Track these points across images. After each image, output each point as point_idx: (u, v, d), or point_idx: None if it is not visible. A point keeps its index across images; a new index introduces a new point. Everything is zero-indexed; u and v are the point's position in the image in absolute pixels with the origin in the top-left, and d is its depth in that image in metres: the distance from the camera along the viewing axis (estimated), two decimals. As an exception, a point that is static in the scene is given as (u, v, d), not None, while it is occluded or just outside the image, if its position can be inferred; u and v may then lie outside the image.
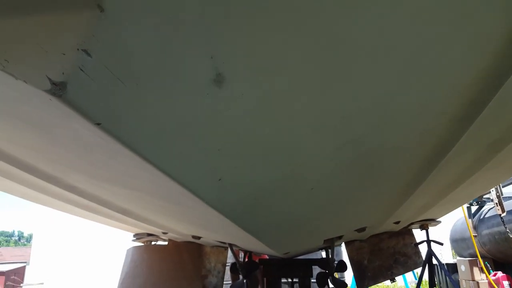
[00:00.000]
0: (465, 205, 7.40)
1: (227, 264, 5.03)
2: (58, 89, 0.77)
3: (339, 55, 1.00)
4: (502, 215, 6.03)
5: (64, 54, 0.72)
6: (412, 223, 4.40)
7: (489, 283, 6.32)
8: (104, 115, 0.91)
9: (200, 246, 4.87)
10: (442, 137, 1.69)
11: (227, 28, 0.80)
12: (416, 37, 0.99)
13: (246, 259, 5.03)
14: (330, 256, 4.29)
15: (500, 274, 6.43)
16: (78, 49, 0.73)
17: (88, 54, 0.74)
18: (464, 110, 1.46)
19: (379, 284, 8.06)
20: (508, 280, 6.29)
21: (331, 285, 5.13)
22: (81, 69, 0.76)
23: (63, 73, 0.76)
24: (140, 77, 0.85)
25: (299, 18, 0.83)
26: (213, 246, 4.92)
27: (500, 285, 6.20)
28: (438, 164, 1.97)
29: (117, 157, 1.23)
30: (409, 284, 7.99)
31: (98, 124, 0.91)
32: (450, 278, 5.79)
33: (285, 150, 1.50)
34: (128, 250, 4.59)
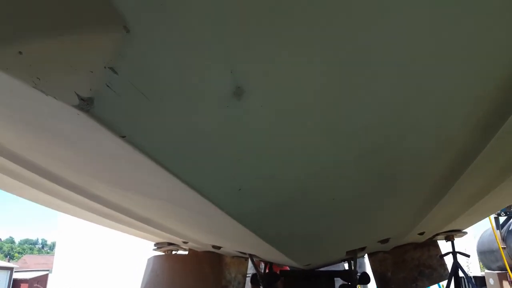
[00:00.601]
0: (493, 216, 7.15)
1: (247, 275, 5.01)
2: (86, 105, 0.81)
3: (357, 66, 1.00)
4: (532, 226, 5.80)
5: (92, 72, 0.76)
6: (437, 234, 4.28)
7: (520, 297, 6.06)
8: (129, 129, 0.95)
9: (220, 256, 4.87)
10: (466, 146, 1.66)
11: (246, 44, 0.82)
12: (438, 43, 0.98)
13: (267, 270, 5.00)
14: (352, 267, 4.21)
15: (531, 288, 6.17)
16: (105, 67, 0.76)
17: (115, 72, 0.77)
18: (489, 117, 1.43)
19: (403, 297, 7.83)
20: (539, 294, 6.03)
21: (353, 297, 5.02)
22: (108, 86, 0.80)
23: (90, 90, 0.80)
24: (163, 92, 0.88)
25: (317, 31, 0.85)
26: (233, 257, 4.92)
27: (531, 299, 5.95)
28: (462, 173, 1.93)
29: (140, 168, 1.27)
30: (435, 297, 7.74)
31: (123, 137, 0.95)
32: (478, 291, 5.58)
33: (305, 160, 1.50)
34: (149, 259, 4.64)
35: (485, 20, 0.93)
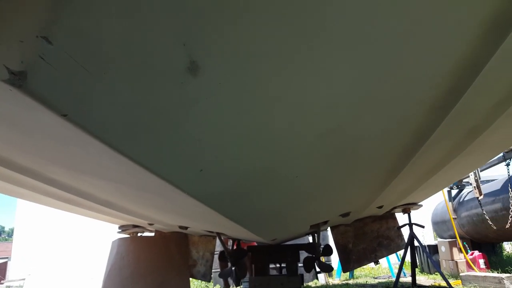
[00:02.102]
0: (446, 189, 7.59)
1: (215, 253, 5.04)
2: (17, 79, 0.72)
3: (319, 44, 0.97)
4: (480, 198, 6.21)
5: (22, 42, 0.67)
6: (395, 207, 4.49)
7: (467, 262, 6.55)
8: (70, 106, 0.86)
9: (187, 236, 4.85)
10: (421, 124, 1.70)
11: (200, 12, 0.75)
12: (396, 26, 0.97)
13: (235, 247, 5.05)
14: (316, 241, 4.34)
15: (476, 253, 6.67)
16: (37, 37, 0.67)
17: (49, 42, 0.69)
18: (443, 98, 1.46)
19: (364, 267, 8.23)
20: (483, 258, 6.55)
21: (317, 268, 5.21)
22: (41, 58, 0.71)
23: (22, 62, 0.71)
24: (107, 65, 0.80)
25: (279, 5, 0.80)
26: (201, 236, 4.91)
27: (476, 264, 6.45)
28: (418, 150, 1.99)
29: (90, 149, 1.19)
30: (392, 266, 8.19)
31: (65, 115, 0.87)
32: (430, 258, 5.96)
33: (266, 138, 1.47)
34: (113, 242, 4.53)
35: (436, 8, 0.93)
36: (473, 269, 6.34)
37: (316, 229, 4.01)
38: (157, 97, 0.96)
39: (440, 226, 8.15)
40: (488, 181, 7.28)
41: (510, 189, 5.33)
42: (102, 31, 0.73)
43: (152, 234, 4.70)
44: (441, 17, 0.97)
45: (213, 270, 5.11)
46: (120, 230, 4.60)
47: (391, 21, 0.94)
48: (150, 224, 4.10)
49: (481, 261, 6.51)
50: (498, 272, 5.32)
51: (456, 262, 6.73)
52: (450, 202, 7.64)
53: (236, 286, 6.42)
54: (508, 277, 4.17)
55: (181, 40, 0.78)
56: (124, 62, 0.81)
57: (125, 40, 0.76)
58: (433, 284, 5.19)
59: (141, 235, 4.72)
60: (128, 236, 4.63)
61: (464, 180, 7.36)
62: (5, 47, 0.68)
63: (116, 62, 0.81)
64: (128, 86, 0.89)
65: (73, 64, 0.76)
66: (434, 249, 7.64)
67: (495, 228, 6.01)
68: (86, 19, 0.70)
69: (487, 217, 6.12)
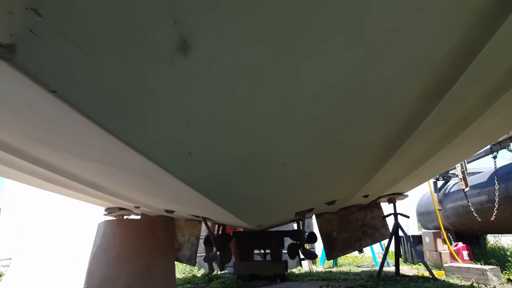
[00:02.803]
0: (432, 180, 7.71)
1: (201, 237, 5.08)
2: (6, 52, 0.71)
3: (310, 30, 0.98)
4: (466, 189, 6.32)
5: (11, 13, 0.66)
6: (380, 197, 4.56)
7: (450, 253, 6.69)
8: (60, 82, 0.86)
9: (173, 220, 4.87)
10: (411, 113, 1.72)
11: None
12: (386, 11, 0.98)
13: (220, 232, 5.09)
14: (301, 228, 4.40)
15: (460, 244, 6.82)
16: (26, 8, 0.66)
17: (38, 14, 0.68)
18: (434, 86, 1.48)
19: (347, 255, 8.38)
20: (467, 250, 6.69)
21: (301, 255, 5.29)
22: (31, 31, 0.70)
23: (11, 35, 0.70)
24: (97, 41, 0.79)
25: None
26: (187, 220, 4.94)
27: (460, 255, 6.59)
28: (406, 140, 2.02)
29: (78, 128, 1.18)
30: (376, 255, 8.36)
31: (54, 91, 0.86)
32: (414, 249, 6.09)
33: (256, 123, 1.48)
34: (99, 224, 4.53)
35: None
36: (456, 260, 6.49)
37: (301, 217, 4.06)
38: (147, 75, 0.96)
39: (425, 216, 8.30)
40: (474, 173, 7.41)
41: (496, 182, 5.43)
42: (93, 6, 0.72)
43: (138, 217, 4.70)
44: (433, 4, 0.97)
45: (198, 254, 5.15)
46: (106, 213, 4.59)
47: (382, 8, 0.94)
48: (137, 207, 4.11)
49: (465, 253, 6.67)
50: (481, 264, 5.47)
51: (440, 253, 6.88)
52: (436, 193, 7.77)
53: (221, 271, 6.49)
54: (491, 269, 4.27)
55: (173, 16, 0.78)
56: (115, 38, 0.81)
57: (116, 15, 0.76)
58: (416, 274, 5.32)
59: (127, 218, 4.72)
60: (114, 218, 4.63)
61: (450, 172, 7.48)
62: (-7, 19, 0.66)
63: (107, 38, 0.80)
64: (119, 63, 0.89)
65: (63, 38, 0.75)
66: (418, 239, 7.80)
67: (480, 220, 6.14)
68: (76, -8, 0.69)
69: (472, 209, 6.25)
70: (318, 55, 1.09)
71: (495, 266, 4.47)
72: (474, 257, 6.70)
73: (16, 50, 0.72)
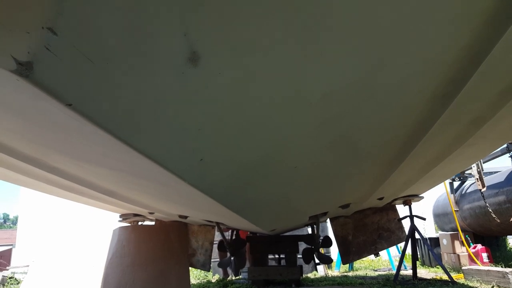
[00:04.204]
0: (447, 181, 7.58)
1: (214, 242, 5.10)
2: (24, 69, 0.74)
3: (318, 33, 0.98)
4: (483, 190, 6.19)
5: (28, 33, 0.69)
6: (396, 199, 4.50)
7: (469, 256, 6.55)
8: (75, 96, 0.89)
9: (187, 225, 4.90)
10: (423, 114, 1.70)
11: (200, 3, 0.77)
12: (397, 13, 0.98)
13: (234, 237, 5.10)
14: (315, 232, 4.37)
15: (479, 246, 6.67)
16: (43, 28, 0.69)
17: (54, 33, 0.71)
18: (445, 87, 1.46)
19: (363, 259, 8.29)
20: (486, 252, 6.53)
21: (317, 260, 5.26)
22: (47, 48, 0.73)
23: (28, 53, 0.73)
24: (110, 56, 0.82)
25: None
26: (200, 225, 4.96)
27: (479, 257, 6.44)
28: (420, 140, 2.00)
29: (93, 138, 1.21)
30: (393, 258, 8.25)
31: (70, 105, 0.89)
32: (432, 251, 5.98)
33: (266, 128, 1.49)
34: (114, 231, 4.59)
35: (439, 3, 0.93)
36: (475, 263, 6.34)
37: (315, 220, 4.04)
38: (159, 87, 0.98)
39: (441, 218, 8.16)
40: (491, 173, 7.25)
41: (514, 181, 5.30)
42: (105, 23, 0.75)
43: (153, 223, 4.75)
44: (443, 6, 0.97)
45: (212, 260, 5.17)
46: (121, 219, 4.65)
47: (393, 9, 0.95)
48: (151, 213, 4.15)
49: (484, 255, 6.51)
50: (501, 267, 5.34)
51: (458, 255, 6.74)
52: (452, 194, 7.63)
53: (235, 276, 6.49)
54: (512, 271, 4.17)
55: (183, 30, 0.80)
56: (127, 53, 0.83)
57: (128, 31, 0.78)
58: (435, 277, 5.23)
59: (141, 224, 4.77)
60: (129, 224, 4.69)
61: (466, 172, 7.34)
62: (12, 39, 0.69)
63: (119, 53, 0.83)
64: (131, 76, 0.91)
65: (77, 54, 0.77)
66: (435, 242, 7.66)
67: (498, 221, 6.00)
68: (89, 10, 0.72)
69: (490, 210, 6.11)
70: (327, 59, 1.10)
71: (516, 269, 4.35)
72: (494, 260, 6.54)
73: (33, 67, 0.75)
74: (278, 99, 1.27)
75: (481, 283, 4.45)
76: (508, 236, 8.00)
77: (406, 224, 4.84)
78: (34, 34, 0.70)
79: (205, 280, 6.67)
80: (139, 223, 4.75)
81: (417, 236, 4.88)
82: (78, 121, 1.00)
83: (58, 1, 0.66)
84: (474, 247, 6.76)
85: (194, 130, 1.30)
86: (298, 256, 5.06)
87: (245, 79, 1.10)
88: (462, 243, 6.84)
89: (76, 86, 0.87)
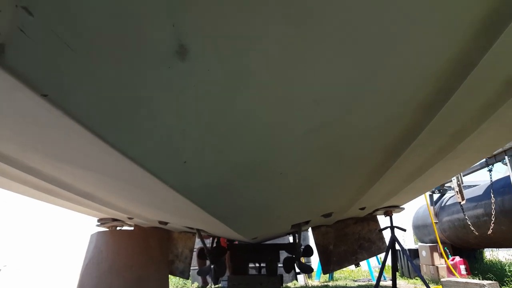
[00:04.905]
0: (428, 193, 7.70)
1: (194, 250, 5.00)
2: (-5, 53, 0.68)
3: (310, 40, 0.96)
4: (462, 203, 6.30)
5: (0, 11, 0.63)
6: (377, 210, 4.52)
7: (448, 268, 6.63)
8: (51, 85, 0.82)
9: (167, 232, 4.79)
10: (408, 125, 1.71)
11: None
12: (385, 24, 0.97)
13: (214, 245, 5.01)
14: (297, 241, 4.34)
15: (457, 259, 6.76)
16: (17, 6, 0.64)
17: (29, 13, 0.65)
18: (431, 98, 1.47)
19: (344, 269, 8.30)
20: (464, 264, 6.63)
21: (297, 269, 5.22)
22: (21, 30, 0.67)
23: (0, 34, 0.67)
24: (92, 43, 0.77)
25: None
26: (180, 232, 4.86)
27: (457, 269, 6.53)
28: (404, 151, 2.00)
29: (71, 134, 1.14)
30: (373, 269, 8.27)
31: (45, 95, 0.83)
32: (411, 263, 6.02)
33: (253, 132, 1.45)
34: (92, 235, 4.45)
35: (426, 8, 0.93)
36: (454, 274, 6.42)
37: (297, 229, 4.01)
38: (143, 80, 0.93)
39: (421, 230, 8.26)
40: (470, 186, 7.41)
41: (492, 195, 5.41)
42: (88, 6, 0.69)
43: (132, 228, 4.63)
44: (431, 18, 0.97)
45: (191, 268, 5.07)
46: (99, 224, 4.52)
47: (381, 21, 0.94)
48: (130, 218, 4.04)
49: (462, 267, 6.60)
50: (479, 279, 5.41)
51: (437, 267, 6.82)
52: (432, 206, 7.75)
53: (215, 285, 6.38)
54: (490, 284, 4.22)
55: (171, 20, 0.76)
56: (110, 41, 0.78)
57: (112, 16, 0.73)
58: (413, 288, 5.25)
59: (120, 229, 4.64)
60: (107, 229, 4.55)
61: (446, 185, 7.48)
62: (-18, 17, 0.64)
63: (102, 41, 0.78)
64: (113, 67, 0.86)
65: (55, 40, 0.72)
66: (414, 253, 7.73)
67: (476, 233, 6.10)
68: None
69: (469, 223, 6.21)
70: (319, 66, 1.08)
71: (493, 281, 4.42)
72: (471, 272, 6.64)
73: (5, 51, 0.69)
74: (267, 102, 1.24)
75: (459, 295, 4.49)
76: (485, 249, 8.17)
77: (386, 235, 4.86)
78: (6, 13, 0.64)
79: (183, 288, 6.53)
80: (118, 228, 4.62)
81: (397, 247, 4.90)
82: (54, 115, 0.93)
83: None
84: (453, 259, 6.85)
85: (179, 130, 1.24)
86: (279, 265, 5.01)
87: (235, 78, 1.06)
88: (441, 255, 6.92)
89: (53, 75, 0.81)
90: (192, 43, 0.84)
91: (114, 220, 4.36)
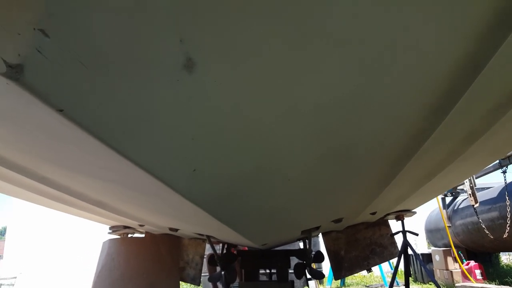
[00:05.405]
0: (440, 196, 7.60)
1: (205, 256, 5.02)
2: (14, 72, 0.72)
3: (313, 43, 0.98)
4: (475, 205, 6.19)
5: (19, 34, 0.68)
6: (388, 214, 4.48)
7: (462, 272, 6.51)
8: (67, 101, 0.87)
9: (178, 238, 4.83)
10: (417, 128, 1.71)
11: (198, 8, 0.76)
12: (391, 25, 0.98)
13: (225, 251, 5.03)
14: (307, 246, 4.33)
15: (472, 263, 6.63)
16: (34, 29, 0.68)
17: (46, 35, 0.69)
18: (440, 100, 1.47)
19: (355, 275, 8.22)
20: (480, 269, 6.50)
21: (308, 275, 5.19)
22: (38, 51, 0.71)
23: (19, 55, 0.71)
24: (104, 60, 0.80)
25: (275, 3, 0.81)
26: (191, 238, 4.89)
27: (472, 274, 6.40)
28: (413, 155, 1.99)
29: (84, 146, 1.18)
30: (385, 274, 8.17)
31: (61, 110, 0.87)
32: (425, 267, 5.95)
33: (260, 139, 1.47)
34: (104, 243, 4.50)
35: (433, 7, 0.94)
36: (469, 279, 6.31)
37: (307, 235, 4.00)
38: (153, 93, 0.96)
39: (434, 234, 8.15)
40: (483, 188, 7.29)
41: (507, 197, 5.32)
42: (100, 25, 0.73)
43: (143, 235, 4.67)
44: (438, 17, 0.98)
45: (202, 274, 5.08)
46: (110, 231, 4.57)
47: (387, 20, 0.95)
48: (141, 226, 4.08)
49: (477, 272, 6.48)
50: (496, 284, 5.30)
51: (451, 271, 6.71)
52: (445, 210, 7.64)
53: (227, 291, 6.37)
54: (511, 289, 4.13)
55: (179, 36, 0.79)
56: (121, 58, 0.82)
57: (123, 35, 0.77)
58: (426, 293, 5.18)
59: (131, 236, 4.69)
60: (119, 237, 4.61)
61: (458, 187, 7.37)
62: (2, 40, 0.68)
63: (113, 58, 0.81)
64: (125, 82, 0.90)
65: (70, 58, 0.76)
66: (427, 257, 7.64)
67: (492, 237, 5.99)
68: (83, 12, 0.70)
69: (483, 226, 6.11)
70: (324, 69, 1.10)
71: None
72: (487, 276, 6.52)
73: (24, 70, 0.73)
74: (273, 109, 1.26)
75: (474, 300, 4.41)
76: (501, 253, 8.01)
77: (398, 239, 4.82)
78: (26, 36, 0.68)
79: (195, 295, 6.53)
80: (129, 235, 4.67)
81: (409, 252, 4.85)
82: (69, 128, 0.97)
83: (50, 2, 0.65)
84: (467, 264, 6.74)
85: (188, 139, 1.28)
86: (290, 271, 4.99)
87: (241, 87, 1.09)
88: (455, 259, 6.81)
89: (68, 91, 0.86)
90: (199, 56, 0.87)
91: (126, 227, 4.41)
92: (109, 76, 0.86)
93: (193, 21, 0.77)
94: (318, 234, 5.36)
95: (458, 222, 7.20)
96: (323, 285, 7.91)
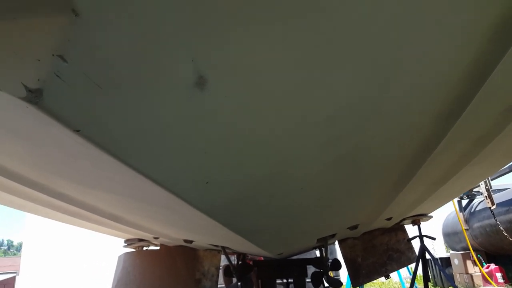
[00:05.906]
0: (456, 199, 7.47)
1: (220, 267, 5.01)
2: (34, 96, 0.75)
3: (323, 54, 1.00)
4: (492, 207, 6.07)
5: (39, 60, 0.71)
6: (404, 219, 4.43)
7: (483, 276, 6.36)
8: (83, 122, 0.90)
9: (192, 250, 4.83)
10: (428, 133, 1.70)
11: (207, 31, 0.79)
12: (400, 34, 0.99)
13: (240, 261, 5.01)
14: (324, 255, 4.29)
15: (493, 266, 6.48)
16: (53, 55, 0.71)
17: (64, 60, 0.72)
18: (449, 106, 1.47)
19: (374, 281, 8.09)
20: (501, 271, 6.34)
21: (326, 284, 5.13)
22: (57, 75, 0.74)
23: (38, 80, 0.74)
24: (119, 82, 0.83)
25: (282, 17, 0.83)
26: (206, 250, 4.89)
27: (493, 277, 6.25)
28: (426, 159, 1.98)
29: (100, 163, 1.21)
30: (404, 280, 8.03)
31: (78, 131, 0.90)
32: (443, 272, 5.83)
33: (272, 150, 1.49)
34: (119, 257, 4.54)
35: (441, 13, 0.94)
36: (490, 283, 6.17)
37: (323, 243, 3.97)
38: (166, 111, 0.99)
39: (451, 237, 8.00)
40: (500, 190, 7.15)
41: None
42: (115, 49, 0.76)
43: (157, 248, 4.69)
44: (446, 23, 0.98)
45: (218, 285, 5.06)
46: (125, 244, 4.61)
47: (396, 28, 0.96)
48: (155, 238, 4.11)
49: (499, 275, 6.32)
50: (517, 287, 5.17)
51: (471, 275, 6.57)
52: (461, 213, 7.51)
53: (243, 302, 6.33)
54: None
55: (190, 56, 0.82)
56: (135, 79, 0.85)
57: (137, 58, 0.80)
58: (446, 298, 5.07)
59: (146, 249, 4.71)
60: (134, 250, 4.63)
61: (474, 190, 7.25)
62: (23, 66, 0.71)
63: (128, 79, 0.84)
64: (139, 101, 0.92)
65: (86, 80, 0.79)
66: (446, 261, 7.50)
67: (511, 239, 5.87)
68: (99, 37, 0.73)
69: (502, 228, 5.98)
70: (334, 78, 1.11)
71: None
72: (509, 280, 6.36)
73: (43, 94, 0.76)
74: (283, 120, 1.27)
75: (497, 305, 4.31)
76: (522, 255, 7.80)
77: (415, 244, 4.74)
78: (45, 62, 0.72)
79: (211, 307, 6.50)
80: (144, 248, 4.69)
81: (427, 256, 4.77)
82: (85, 147, 1.00)
83: (68, 29, 0.68)
84: (488, 267, 6.59)
85: (200, 153, 1.30)
86: (307, 280, 4.95)
87: (250, 102, 1.11)
88: (474, 263, 6.66)
89: (84, 112, 0.89)
90: (210, 73, 0.90)
91: (140, 240, 4.44)
92: (123, 96, 0.88)
93: (204, 41, 0.80)
94: (334, 242, 5.31)
95: (476, 224, 7.06)
96: (340, 293, 7.80)
